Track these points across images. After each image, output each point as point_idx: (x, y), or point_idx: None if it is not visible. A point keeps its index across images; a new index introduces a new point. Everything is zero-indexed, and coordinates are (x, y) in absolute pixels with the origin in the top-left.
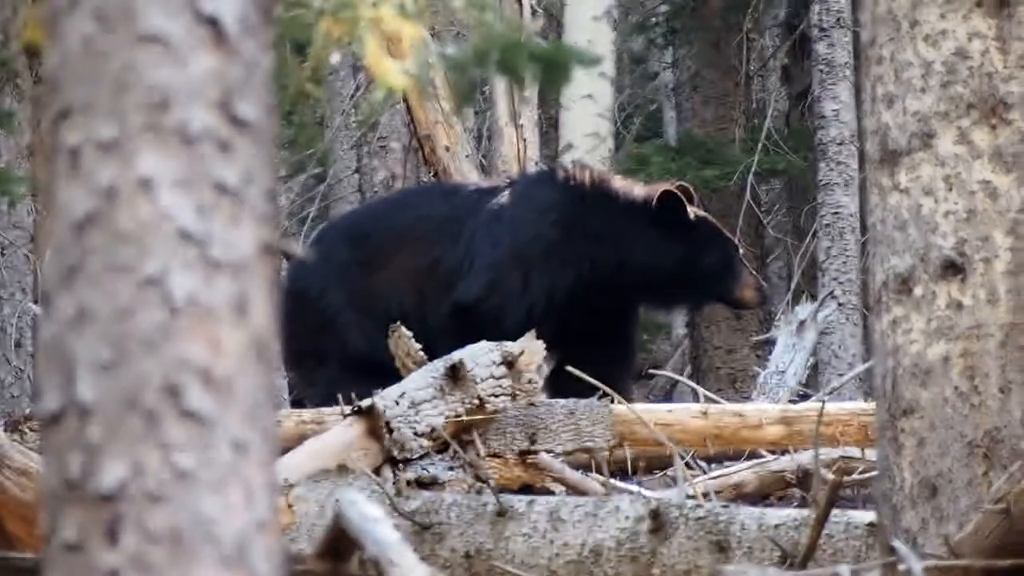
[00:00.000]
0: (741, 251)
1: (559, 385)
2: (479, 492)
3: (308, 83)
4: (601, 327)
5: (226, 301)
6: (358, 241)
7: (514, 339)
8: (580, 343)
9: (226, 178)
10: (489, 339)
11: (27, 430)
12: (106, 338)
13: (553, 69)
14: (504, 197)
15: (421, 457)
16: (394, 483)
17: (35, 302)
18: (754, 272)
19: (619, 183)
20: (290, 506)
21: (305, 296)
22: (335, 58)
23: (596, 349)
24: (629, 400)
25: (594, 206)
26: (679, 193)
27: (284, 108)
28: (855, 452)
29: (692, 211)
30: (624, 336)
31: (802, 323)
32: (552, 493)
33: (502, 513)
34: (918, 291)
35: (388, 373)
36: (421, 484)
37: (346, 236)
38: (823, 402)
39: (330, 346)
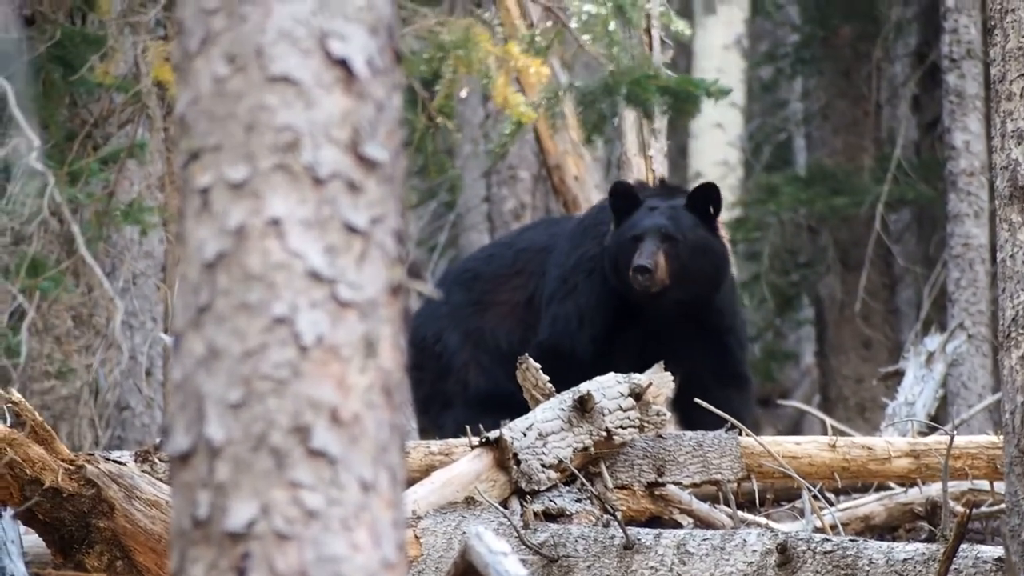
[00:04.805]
0: (662, 233)
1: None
2: (606, 525)
3: (438, 115)
4: (687, 344)
5: (354, 341)
6: (471, 283)
7: (589, 365)
8: (679, 364)
9: (355, 219)
10: (568, 370)
11: (157, 460)
12: (235, 378)
13: (683, 101)
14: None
15: (548, 489)
16: (521, 515)
17: (165, 331)
18: (652, 255)
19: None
20: (417, 538)
21: (424, 343)
22: (463, 92)
23: (697, 368)
24: (750, 424)
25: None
26: (629, 184)
27: (413, 139)
28: (984, 485)
29: (648, 202)
30: (720, 350)
31: (931, 354)
32: (680, 525)
33: (629, 546)
34: None
35: (511, 408)
36: (548, 516)
37: (461, 279)
38: (952, 435)
39: (452, 388)
